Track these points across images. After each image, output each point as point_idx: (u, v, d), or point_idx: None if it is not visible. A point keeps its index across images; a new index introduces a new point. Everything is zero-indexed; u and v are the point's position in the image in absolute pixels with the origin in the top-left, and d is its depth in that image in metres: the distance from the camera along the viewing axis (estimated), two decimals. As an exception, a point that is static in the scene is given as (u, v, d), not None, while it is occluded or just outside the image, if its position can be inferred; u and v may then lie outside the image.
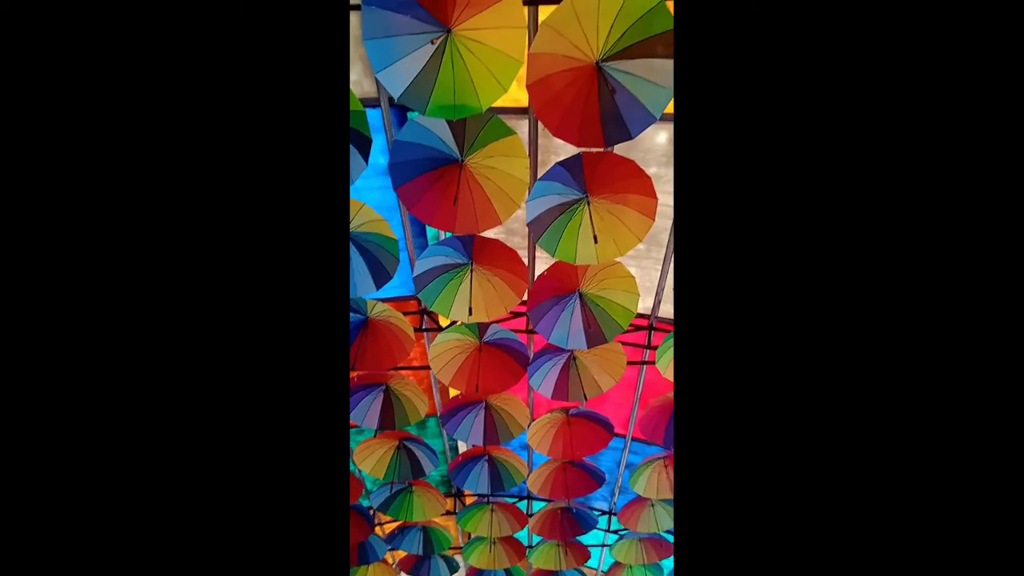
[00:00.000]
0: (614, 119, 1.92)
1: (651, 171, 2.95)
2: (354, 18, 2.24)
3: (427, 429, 4.72)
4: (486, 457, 3.82)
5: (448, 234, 2.62)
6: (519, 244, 3.38)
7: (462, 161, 2.17)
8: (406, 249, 3.34)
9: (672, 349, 3.06)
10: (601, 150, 2.20)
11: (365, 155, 2.03)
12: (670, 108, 2.11)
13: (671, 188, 3.09)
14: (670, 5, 1.72)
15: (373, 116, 2.72)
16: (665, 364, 3.10)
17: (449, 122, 2.06)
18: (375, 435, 3.63)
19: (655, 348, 3.39)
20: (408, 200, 2.25)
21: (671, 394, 3.50)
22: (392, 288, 3.50)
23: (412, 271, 2.69)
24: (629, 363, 3.19)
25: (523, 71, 1.88)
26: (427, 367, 3.73)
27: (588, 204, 2.30)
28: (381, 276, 2.55)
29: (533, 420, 3.53)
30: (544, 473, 3.86)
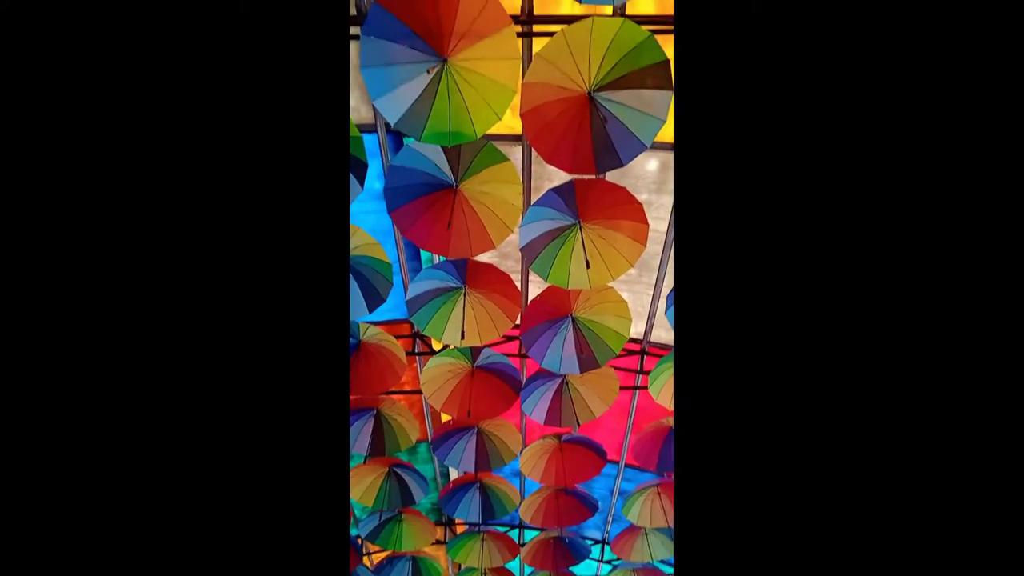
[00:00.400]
0: (606, 147, 1.97)
1: (642, 197, 3.00)
2: (352, 46, 2.30)
3: (418, 455, 4.64)
4: (477, 484, 3.76)
5: (442, 258, 2.63)
6: (512, 268, 3.40)
7: (456, 186, 2.20)
8: (400, 272, 3.35)
9: (664, 374, 3.06)
10: (593, 177, 2.24)
11: (361, 180, 2.06)
12: (661, 136, 2.17)
13: (662, 214, 3.14)
14: (660, 39, 1.78)
15: (370, 141, 2.76)
16: (658, 389, 3.09)
17: (444, 148, 2.10)
18: (365, 461, 3.56)
19: (648, 373, 3.38)
20: (402, 224, 2.26)
21: (665, 419, 3.48)
22: (385, 311, 3.49)
23: (405, 294, 2.69)
24: (622, 388, 3.17)
25: (517, 99, 1.93)
26: (419, 392, 3.70)
27: (580, 230, 2.33)
28: (374, 299, 2.55)
29: (525, 446, 3.48)
30: (536, 501, 3.79)
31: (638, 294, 3.45)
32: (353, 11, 2.19)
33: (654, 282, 3.35)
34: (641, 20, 1.92)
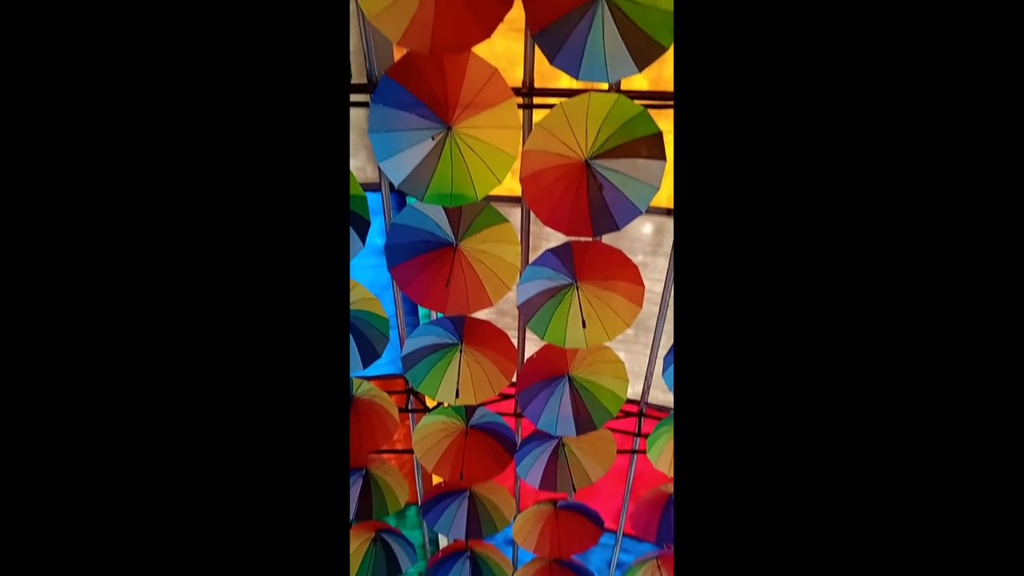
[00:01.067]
0: (602, 211, 2.03)
1: (638, 259, 3.06)
2: (360, 112, 2.42)
3: (406, 520, 4.42)
4: (468, 553, 3.56)
5: (439, 314, 2.64)
6: (509, 325, 3.40)
7: (456, 245, 2.25)
8: (396, 327, 3.34)
9: (663, 437, 2.99)
10: (590, 239, 2.29)
11: (363, 237, 2.10)
12: (656, 201, 2.25)
13: (658, 275, 3.19)
14: (653, 113, 1.89)
15: (373, 199, 2.84)
16: (657, 453, 3.00)
17: (445, 208, 2.16)
18: (350, 525, 3.40)
19: (646, 436, 3.30)
20: (401, 280, 2.29)
21: (663, 486, 3.36)
22: (379, 366, 3.45)
23: (401, 349, 2.68)
24: (619, 451, 3.08)
25: (517, 164, 2.01)
26: (410, 451, 3.58)
27: (577, 289, 2.35)
28: (369, 355, 2.53)
29: (519, 512, 3.33)
30: (529, 573, 3.58)
31: (635, 354, 3.43)
32: (364, 79, 2.33)
33: (651, 343, 3.34)
34: (634, 95, 2.03)
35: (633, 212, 2.04)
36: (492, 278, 2.28)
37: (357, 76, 2.23)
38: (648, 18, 1.66)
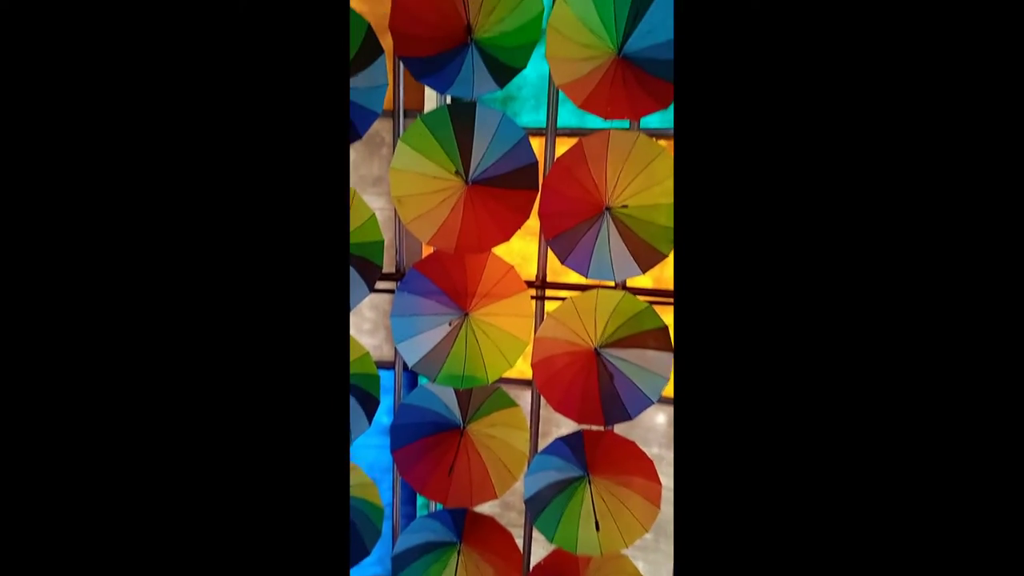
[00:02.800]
0: (613, 400, 2.01)
1: (652, 451, 2.90)
2: (384, 296, 2.61)
3: None
4: None
5: (439, 505, 2.43)
6: (514, 521, 3.09)
7: (463, 427, 2.19)
8: (391, 517, 3.06)
9: None
10: (602, 429, 2.22)
11: (370, 416, 2.07)
12: (669, 391, 2.24)
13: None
14: (658, 309, 2.00)
15: (386, 377, 2.88)
16: None
17: (456, 391, 2.17)
18: None
19: None
20: (403, 465, 2.18)
21: None
22: (368, 565, 3.06)
23: (393, 545, 2.40)
24: None
25: (529, 349, 2.07)
26: None
27: (590, 483, 2.19)
28: (359, 552, 2.27)
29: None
30: None
31: (655, 564, 3.02)
32: (393, 269, 2.55)
33: (672, 551, 2.96)
34: (639, 292, 2.18)
35: (644, 402, 2.02)
36: (499, 466, 2.16)
37: (388, 267, 2.46)
38: (648, 230, 1.88)
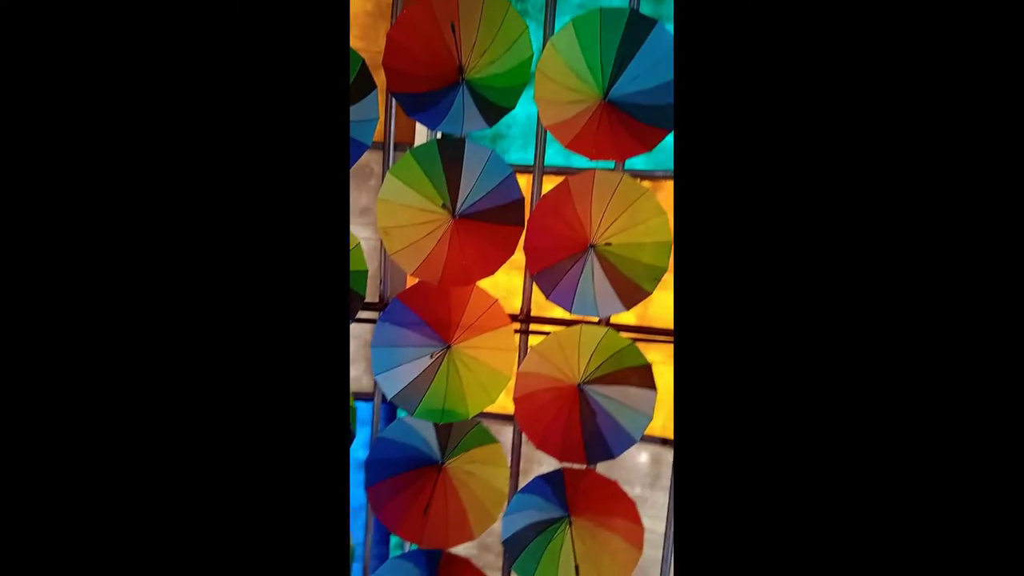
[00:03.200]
0: (595, 438, 1.99)
1: (635, 492, 2.86)
2: (365, 327, 2.57)
3: None
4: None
5: (413, 546, 2.34)
6: (492, 564, 2.97)
7: (442, 463, 2.13)
8: (362, 558, 2.93)
9: None
10: (583, 467, 2.19)
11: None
12: (651, 430, 2.22)
13: (658, 512, 2.93)
14: (641, 346, 2.01)
15: (363, 409, 2.81)
16: None
17: (435, 425, 2.12)
18: None
19: None
20: (376, 502, 2.10)
21: None
22: (334, 611, 2.90)
23: (363, 590, 2.29)
24: None
25: (512, 384, 2.05)
26: None
27: (570, 525, 2.14)
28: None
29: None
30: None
31: (637, 612, 2.92)
32: (377, 298, 2.54)
33: (655, 597, 2.88)
34: (623, 328, 2.20)
35: (627, 441, 2.00)
36: (477, 505, 2.09)
37: (371, 296, 2.44)
38: (632, 268, 1.90)
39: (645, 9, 1.98)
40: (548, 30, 2.01)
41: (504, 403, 2.28)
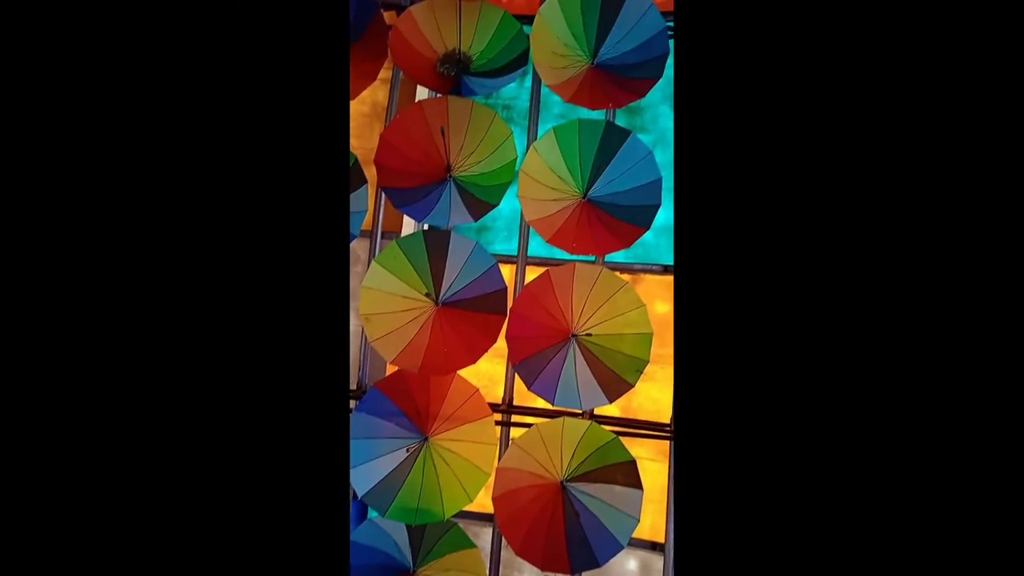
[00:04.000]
0: (580, 543, 1.85)
1: (624, 607, 2.62)
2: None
3: None
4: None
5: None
6: None
7: (413, 572, 1.95)
8: None
9: None
10: (567, 576, 2.02)
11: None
12: (639, 533, 2.08)
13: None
14: (625, 441, 1.95)
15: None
16: None
17: (408, 527, 1.97)
18: None
19: None
20: (339, 619, 1.88)
21: None
22: None
23: None
24: None
25: (491, 481, 1.94)
26: None
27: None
28: None
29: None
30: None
31: None
32: (354, 385, 2.46)
33: None
34: (606, 420, 2.14)
35: (614, 546, 1.87)
36: (450, 623, 1.89)
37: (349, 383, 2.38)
38: (613, 359, 1.91)
39: (620, 121, 2.18)
40: (531, 135, 2.17)
41: (483, 501, 2.15)
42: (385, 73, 2.08)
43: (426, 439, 1.92)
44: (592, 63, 2.05)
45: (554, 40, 2.03)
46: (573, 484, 1.90)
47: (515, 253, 2.20)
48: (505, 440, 2.47)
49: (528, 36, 2.07)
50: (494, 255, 1.97)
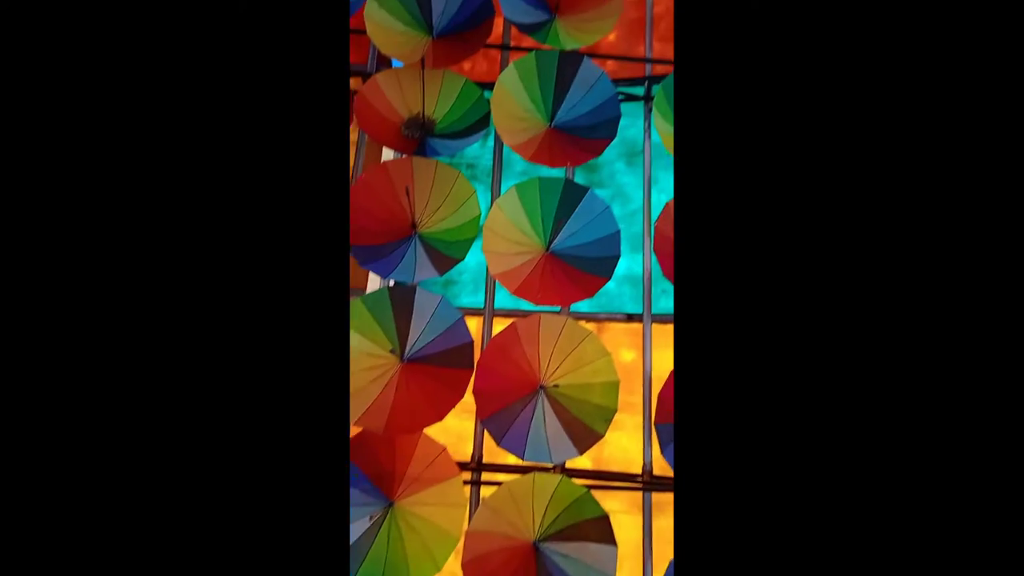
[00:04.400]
0: (555, 609, 1.76)
1: (605, 678, 2.46)
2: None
3: None
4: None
5: None
6: None
7: (377, 656, 1.79)
8: None
9: None
10: (543, 647, 1.90)
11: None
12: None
13: None
14: (597, 495, 1.91)
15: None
16: None
17: (372, 603, 1.83)
18: None
19: None
20: None
21: None
22: None
23: None
24: None
25: (460, 546, 1.84)
26: None
27: None
28: None
29: None
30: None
31: None
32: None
33: None
34: (577, 474, 2.11)
35: (590, 610, 1.79)
36: None
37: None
38: (582, 409, 1.91)
39: (579, 178, 2.29)
40: (495, 192, 2.25)
41: (452, 568, 2.03)
42: (351, 135, 2.14)
43: (391, 504, 1.83)
44: (550, 125, 2.18)
45: (514, 105, 2.16)
46: (546, 544, 1.83)
47: (482, 305, 2.22)
48: (476, 499, 2.38)
49: (489, 101, 2.20)
50: (461, 308, 1.97)
